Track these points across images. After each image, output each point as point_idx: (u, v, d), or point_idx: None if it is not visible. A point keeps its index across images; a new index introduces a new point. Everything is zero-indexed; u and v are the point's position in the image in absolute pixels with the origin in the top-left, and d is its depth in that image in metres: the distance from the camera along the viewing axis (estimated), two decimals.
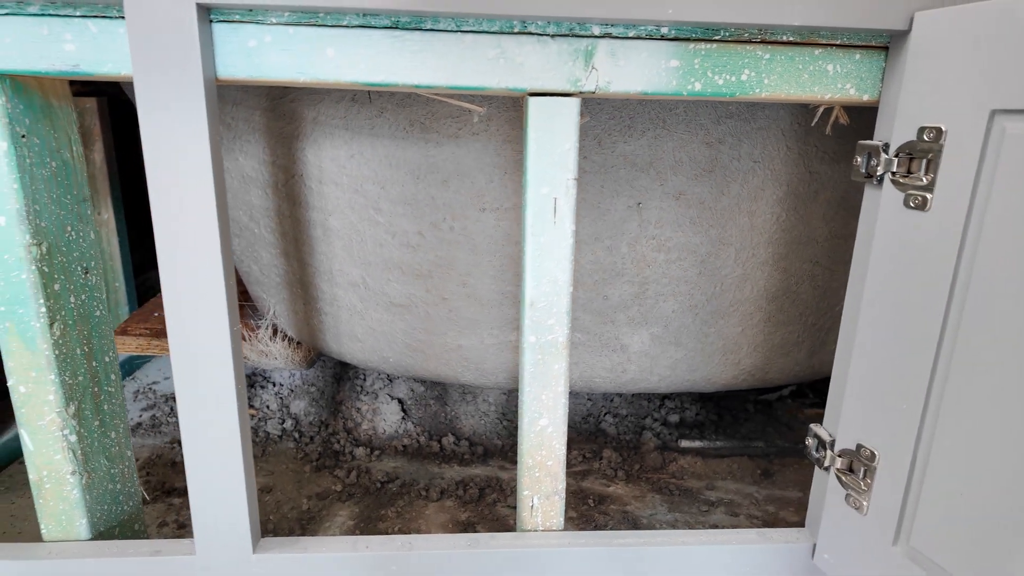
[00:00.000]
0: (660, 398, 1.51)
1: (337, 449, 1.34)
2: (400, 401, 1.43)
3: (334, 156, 0.96)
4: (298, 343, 1.24)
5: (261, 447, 1.35)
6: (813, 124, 0.84)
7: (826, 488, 0.78)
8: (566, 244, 0.72)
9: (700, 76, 0.67)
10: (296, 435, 1.39)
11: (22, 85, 0.66)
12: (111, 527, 0.82)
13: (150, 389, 1.67)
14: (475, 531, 1.12)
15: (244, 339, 1.23)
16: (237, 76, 0.64)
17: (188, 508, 1.11)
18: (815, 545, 0.81)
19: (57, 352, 0.72)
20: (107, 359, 0.80)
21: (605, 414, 1.47)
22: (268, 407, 1.46)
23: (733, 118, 0.94)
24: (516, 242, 0.97)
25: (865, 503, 0.72)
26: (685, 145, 0.94)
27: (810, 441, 0.80)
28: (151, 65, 0.60)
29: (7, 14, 0.61)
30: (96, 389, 0.78)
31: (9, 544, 0.77)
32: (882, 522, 0.71)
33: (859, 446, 0.73)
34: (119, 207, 1.68)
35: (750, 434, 1.46)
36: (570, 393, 1.49)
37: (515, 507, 1.20)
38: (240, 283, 1.71)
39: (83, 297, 0.75)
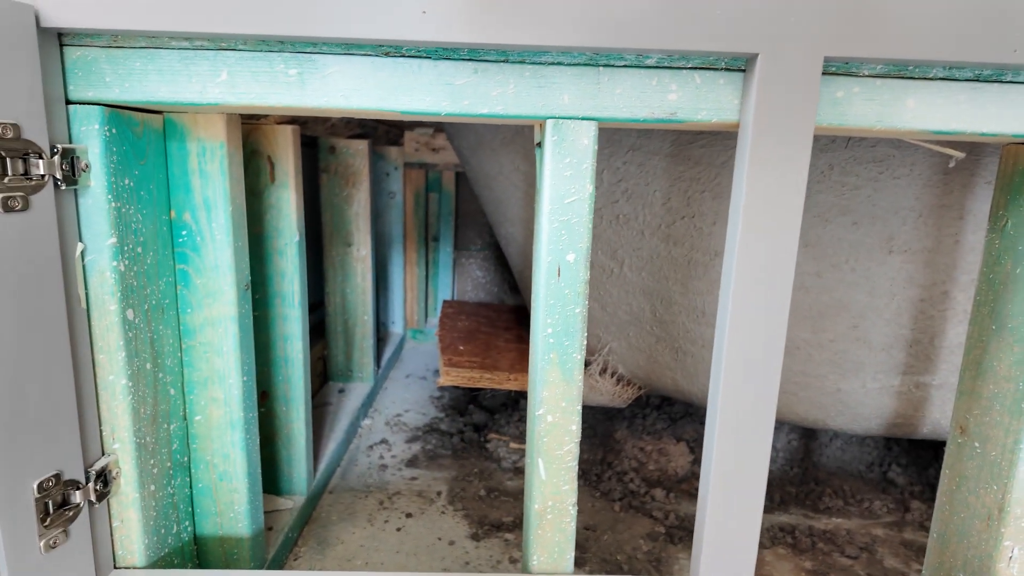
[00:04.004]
0: (933, 448, 1.47)
1: (633, 489, 1.33)
2: (687, 442, 1.42)
3: None
4: (627, 381, 1.25)
5: None
6: None
7: None
8: None
9: None
10: (580, 471, 1.39)
11: None
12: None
13: (399, 421, 1.70)
14: None
15: None
16: (820, 123, 0.67)
17: (518, 544, 1.11)
18: None
19: (579, 383, 0.74)
20: None
21: (891, 463, 1.43)
22: None
23: None
24: (920, 285, 0.97)
25: None
26: None
27: None
28: (768, 114, 0.64)
29: (626, 66, 0.66)
30: None
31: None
32: None
33: None
34: (373, 244, 1.76)
35: None
36: (860, 439, 1.46)
37: (854, 556, 1.17)
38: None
39: None
